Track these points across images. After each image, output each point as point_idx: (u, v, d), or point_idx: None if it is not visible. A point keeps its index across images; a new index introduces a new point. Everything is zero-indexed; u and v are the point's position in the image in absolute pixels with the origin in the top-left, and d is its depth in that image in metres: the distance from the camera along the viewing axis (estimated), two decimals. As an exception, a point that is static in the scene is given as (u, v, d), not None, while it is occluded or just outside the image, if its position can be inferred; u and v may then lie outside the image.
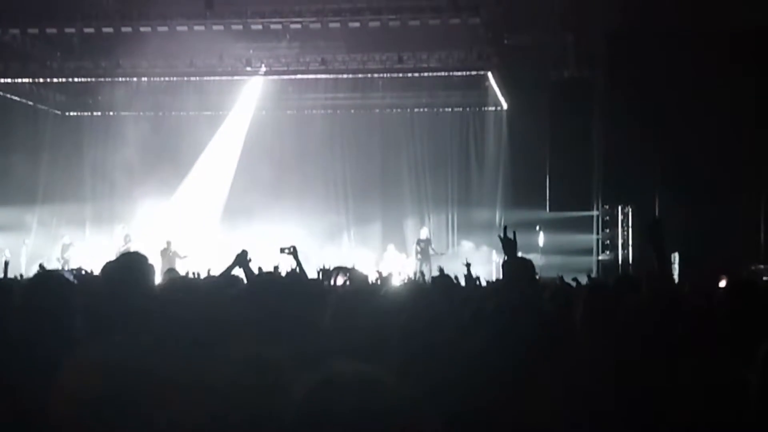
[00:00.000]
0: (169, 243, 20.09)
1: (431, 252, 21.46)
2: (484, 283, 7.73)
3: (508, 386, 2.92)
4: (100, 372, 2.78)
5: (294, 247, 6.20)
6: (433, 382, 2.85)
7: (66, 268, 16.15)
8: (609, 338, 3.46)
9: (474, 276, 7.51)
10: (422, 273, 9.46)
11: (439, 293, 4.34)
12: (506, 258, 4.18)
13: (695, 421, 2.94)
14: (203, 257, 18.35)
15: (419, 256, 21.45)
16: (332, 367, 1.65)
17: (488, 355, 3.05)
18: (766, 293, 4.35)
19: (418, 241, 21.96)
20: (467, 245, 22.35)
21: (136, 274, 3.59)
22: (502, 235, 4.17)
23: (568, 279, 8.14)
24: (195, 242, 20.74)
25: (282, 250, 6.32)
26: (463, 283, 7.23)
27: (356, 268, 7.20)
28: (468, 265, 7.61)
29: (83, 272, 6.71)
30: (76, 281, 5.77)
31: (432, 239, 22.21)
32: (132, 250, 20.00)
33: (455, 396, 2.86)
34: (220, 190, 23.65)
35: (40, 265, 11.16)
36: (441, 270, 7.03)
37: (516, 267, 4.79)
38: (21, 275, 12.21)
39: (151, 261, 3.77)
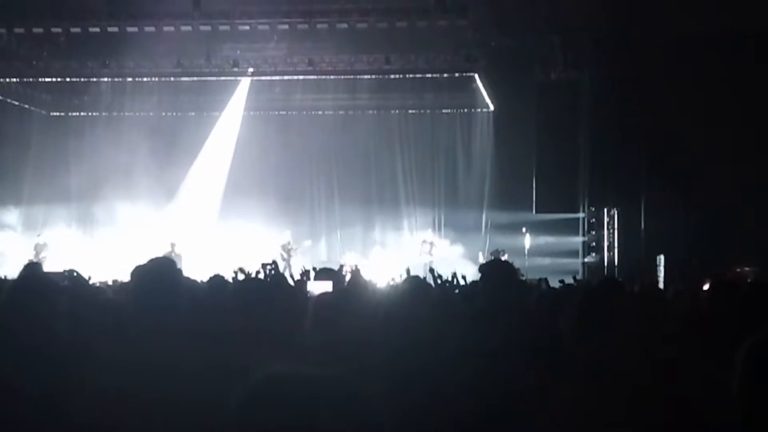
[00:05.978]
0: (173, 245, 19.95)
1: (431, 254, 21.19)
2: (461, 281, 7.65)
3: (487, 387, 2.93)
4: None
5: (275, 263, 6.18)
6: (410, 382, 2.85)
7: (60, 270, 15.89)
8: (601, 341, 3.48)
9: (445, 278, 7.42)
10: (408, 272, 9.33)
11: (412, 295, 4.27)
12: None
13: (680, 421, 2.96)
14: (204, 258, 18.24)
15: (430, 256, 21.13)
16: (267, 372, 1.62)
17: (468, 357, 3.05)
18: (749, 295, 4.39)
19: (423, 242, 21.72)
20: (453, 246, 22.34)
21: (168, 278, 3.51)
22: None
23: (553, 281, 8.13)
24: (196, 244, 20.62)
25: (264, 267, 6.23)
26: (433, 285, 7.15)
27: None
28: (432, 270, 7.59)
29: (75, 274, 6.58)
30: (67, 283, 5.72)
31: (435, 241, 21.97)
32: (43, 259, 19.63)
33: (434, 397, 2.86)
34: (214, 192, 23.52)
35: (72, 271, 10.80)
36: (408, 271, 6.97)
37: (495, 269, 4.80)
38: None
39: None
